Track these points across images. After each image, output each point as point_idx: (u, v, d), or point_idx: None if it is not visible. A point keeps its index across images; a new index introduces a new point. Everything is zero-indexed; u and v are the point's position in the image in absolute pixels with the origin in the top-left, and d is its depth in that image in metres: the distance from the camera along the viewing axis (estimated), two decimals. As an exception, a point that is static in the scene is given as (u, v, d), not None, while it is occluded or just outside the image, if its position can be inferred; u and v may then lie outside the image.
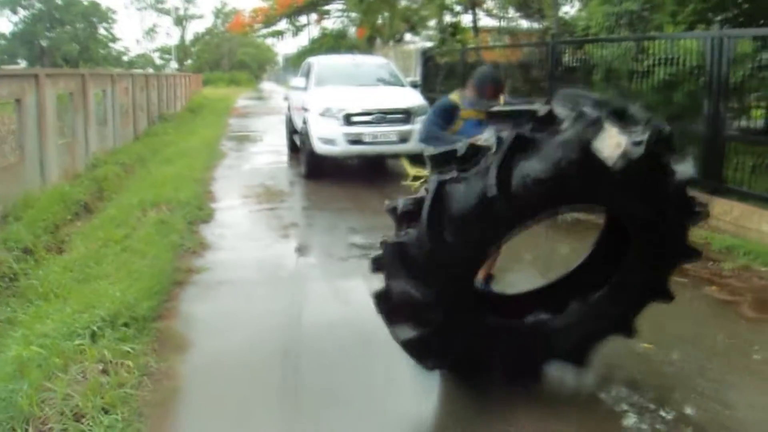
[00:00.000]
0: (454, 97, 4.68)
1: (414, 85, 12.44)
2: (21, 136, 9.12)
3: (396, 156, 10.31)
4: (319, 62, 12.05)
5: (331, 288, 5.73)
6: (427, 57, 16.89)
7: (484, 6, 18.68)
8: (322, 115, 10.06)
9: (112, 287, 5.10)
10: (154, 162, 12.54)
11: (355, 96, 10.34)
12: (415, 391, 3.84)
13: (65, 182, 10.01)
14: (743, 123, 7.44)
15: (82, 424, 3.35)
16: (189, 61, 51.09)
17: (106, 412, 3.46)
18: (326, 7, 24.33)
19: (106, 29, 38.13)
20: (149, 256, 6.03)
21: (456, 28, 18.50)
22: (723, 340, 4.59)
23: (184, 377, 4.07)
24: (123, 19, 78.81)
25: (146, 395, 3.77)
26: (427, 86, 15.77)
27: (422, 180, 4.74)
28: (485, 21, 19.35)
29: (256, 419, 3.60)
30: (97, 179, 10.64)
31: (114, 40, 39.94)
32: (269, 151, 14.31)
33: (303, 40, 31.82)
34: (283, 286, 5.72)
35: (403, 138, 9.93)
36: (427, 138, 4.57)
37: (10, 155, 8.94)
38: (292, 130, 12.39)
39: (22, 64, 32.83)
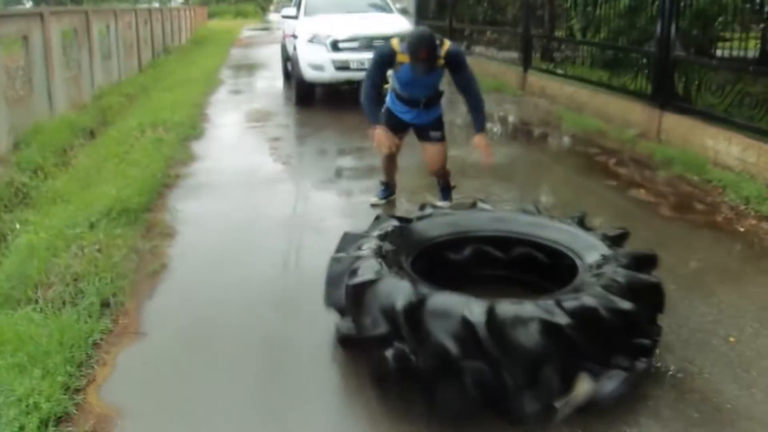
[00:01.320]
0: (394, 42, 4.94)
1: (403, 12, 12.67)
2: (29, 71, 9.97)
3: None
4: None
5: (298, 187, 6.63)
6: None
7: None
8: (310, 41, 10.37)
9: (109, 189, 6.04)
10: (155, 91, 13.39)
11: (342, 23, 10.59)
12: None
13: (72, 112, 10.88)
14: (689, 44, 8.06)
15: (79, 284, 4.29)
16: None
17: (100, 278, 4.40)
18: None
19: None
20: (143, 165, 6.97)
21: None
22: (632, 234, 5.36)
23: (167, 255, 4.99)
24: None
25: (133, 266, 4.72)
26: (420, 14, 16.40)
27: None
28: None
29: (226, 275, 4.55)
30: (102, 108, 11.52)
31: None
32: (265, 78, 15.15)
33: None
34: (256, 187, 6.63)
35: None
36: (366, 87, 5.00)
37: (20, 89, 9.80)
38: (286, 58, 12.99)
39: (28, 4, 33.36)
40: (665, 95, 7.71)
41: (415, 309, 2.82)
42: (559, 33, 11.39)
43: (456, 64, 4.90)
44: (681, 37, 7.66)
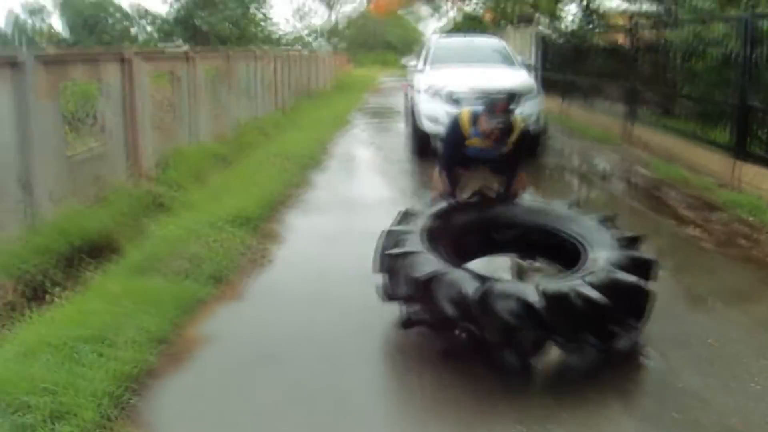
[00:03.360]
0: (465, 123, 5.14)
1: (527, 66, 12.93)
2: (176, 103, 11.70)
3: None
4: (435, 42, 13.00)
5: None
6: (543, 40, 18.35)
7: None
8: (428, 93, 10.69)
9: (233, 202, 7.38)
10: (288, 127, 15.00)
11: (461, 75, 10.83)
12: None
13: (212, 141, 12.52)
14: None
15: (198, 264, 5.56)
16: (339, 41, 54.31)
17: (215, 261, 5.66)
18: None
19: (257, 9, 41.72)
20: (265, 186, 8.32)
21: (593, 11, 19.71)
22: (672, 264, 5.99)
23: (272, 253, 6.23)
24: (275, 1, 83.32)
25: (243, 258, 5.97)
26: (543, 67, 17.39)
27: None
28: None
29: (319, 271, 5.70)
30: (239, 140, 13.14)
31: (266, 20, 43.58)
32: (390, 122, 16.54)
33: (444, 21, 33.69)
34: (358, 211, 7.80)
35: None
36: (446, 167, 5.43)
37: (166, 118, 11.52)
38: (407, 107, 13.82)
39: (179, 43, 36.78)
40: (743, 146, 8.37)
41: (485, 295, 3.76)
42: (657, 87, 12.00)
43: (522, 141, 5.17)
44: (757, 89, 8.28)
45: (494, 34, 20.58)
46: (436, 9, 28.12)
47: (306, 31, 51.24)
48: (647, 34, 12.06)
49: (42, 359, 3.71)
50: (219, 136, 13.38)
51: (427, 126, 10.59)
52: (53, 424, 3.15)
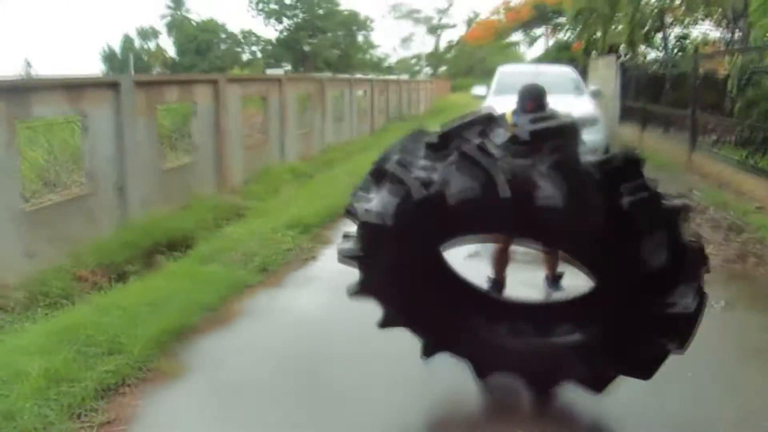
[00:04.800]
0: (507, 113, 5.12)
1: (595, 94, 13.26)
2: (266, 125, 13.11)
3: None
4: (502, 71, 13.28)
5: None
6: (625, 68, 19.01)
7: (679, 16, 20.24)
8: None
9: (297, 211, 8.60)
10: (372, 149, 16.22)
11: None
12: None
13: (299, 161, 13.88)
14: None
15: (252, 257, 6.77)
16: (443, 68, 55.76)
17: (266, 255, 6.87)
18: (559, 20, 27.08)
19: (364, 36, 43.80)
20: (329, 198, 9.50)
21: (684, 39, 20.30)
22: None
23: (320, 253, 7.40)
24: (380, 28, 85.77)
25: (293, 255, 7.17)
26: (625, 95, 18.07)
27: None
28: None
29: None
30: (325, 160, 14.47)
31: (372, 47, 45.63)
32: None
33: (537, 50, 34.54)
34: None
35: None
36: None
37: (257, 138, 12.94)
38: None
39: (287, 67, 38.88)
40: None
41: None
42: (713, 115, 12.46)
43: None
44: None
45: (575, 64, 21.29)
46: (532, 38, 29.12)
47: (411, 59, 52.98)
48: (708, 62, 12.67)
49: (113, 315, 4.96)
50: (306, 156, 14.75)
51: None
52: (110, 355, 4.37)
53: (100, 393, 4.01)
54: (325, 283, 6.41)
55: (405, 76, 37.01)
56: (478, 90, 14.04)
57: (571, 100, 11.21)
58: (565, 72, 13.34)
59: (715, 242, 7.72)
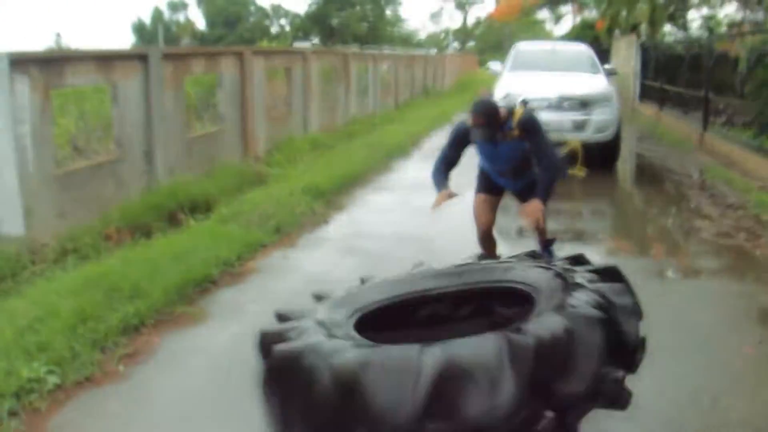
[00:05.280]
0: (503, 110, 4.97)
1: (611, 73, 12.91)
2: (289, 97, 13.56)
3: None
4: (518, 48, 13.16)
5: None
6: (645, 48, 19.16)
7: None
8: (503, 99, 11.90)
9: (314, 178, 9.06)
10: (395, 123, 16.65)
11: (537, 81, 10.93)
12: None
13: (322, 133, 14.31)
14: None
15: (267, 219, 7.24)
16: (471, 44, 55.83)
17: (280, 218, 7.33)
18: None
19: (392, 11, 44.09)
20: (346, 167, 9.96)
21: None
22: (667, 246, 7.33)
23: (331, 217, 7.87)
24: (409, 2, 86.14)
25: (306, 218, 7.63)
26: (645, 75, 18.27)
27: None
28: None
29: (367, 235, 7.29)
30: (347, 132, 14.91)
31: (400, 21, 45.92)
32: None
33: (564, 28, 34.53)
34: (423, 191, 9.29)
35: (578, 126, 10.34)
36: (437, 161, 5.34)
37: (281, 110, 13.39)
38: None
39: (315, 41, 39.27)
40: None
41: None
42: (724, 96, 12.67)
43: (528, 132, 4.93)
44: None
45: (599, 42, 21.38)
46: (557, 16, 29.22)
47: (440, 34, 53.13)
48: (722, 44, 12.87)
49: (137, 265, 5.45)
50: (329, 127, 15.17)
51: None
52: (133, 299, 4.86)
53: (123, 331, 4.51)
54: (335, 243, 6.89)
55: (433, 51, 37.22)
56: (495, 66, 13.94)
57: (583, 79, 11.33)
58: (581, 50, 13.14)
59: (713, 217, 8.06)
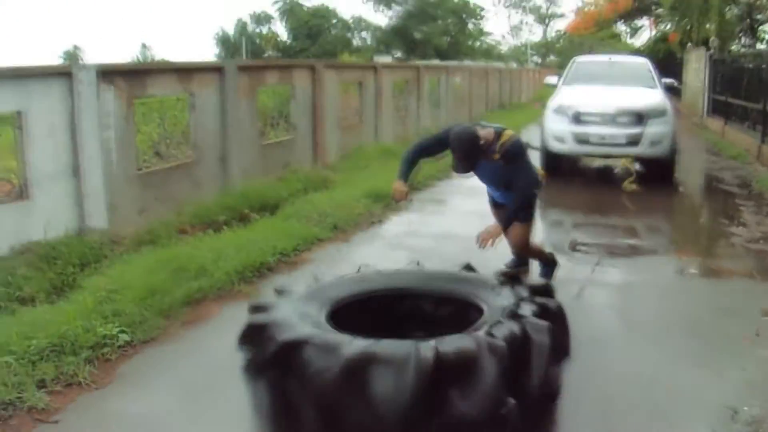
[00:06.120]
0: (486, 132, 5.00)
1: (670, 87, 12.77)
2: (361, 108, 14.25)
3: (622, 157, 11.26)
4: (576, 61, 13.11)
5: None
6: (713, 61, 19.07)
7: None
8: (556, 112, 10.91)
9: (377, 183, 9.66)
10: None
11: (592, 95, 10.99)
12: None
13: (393, 142, 14.92)
14: None
15: (325, 218, 7.88)
16: (551, 57, 55.72)
17: (339, 217, 7.97)
18: (659, 11, 27.13)
19: (474, 24, 44.49)
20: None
21: None
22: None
23: (387, 218, 8.47)
24: (491, 16, 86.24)
25: (363, 218, 8.25)
26: (714, 89, 18.27)
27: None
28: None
29: (422, 237, 7.87)
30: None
31: (483, 34, 46.31)
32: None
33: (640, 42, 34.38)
34: (478, 197, 9.82)
35: (632, 141, 10.37)
36: (409, 149, 5.46)
37: (352, 120, 14.07)
38: None
39: (396, 54, 40.05)
40: None
41: None
42: None
43: (508, 160, 5.04)
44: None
45: (665, 56, 21.24)
46: (633, 29, 29.29)
47: (520, 47, 53.34)
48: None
49: (203, 251, 6.16)
50: (401, 137, 15.78)
51: (552, 145, 10.86)
52: (197, 278, 5.55)
53: (187, 303, 5.22)
54: (386, 240, 7.50)
55: (513, 65, 37.57)
56: (550, 79, 13.74)
57: (641, 92, 11.23)
58: (639, 63, 13.01)
59: (749, 223, 8.35)
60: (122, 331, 4.56)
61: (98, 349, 4.36)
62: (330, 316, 3.65)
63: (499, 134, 4.98)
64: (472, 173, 5.19)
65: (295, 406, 3.19)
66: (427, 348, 2.99)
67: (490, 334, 3.15)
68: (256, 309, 3.78)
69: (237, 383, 3.56)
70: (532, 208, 5.35)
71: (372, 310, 4.04)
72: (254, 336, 3.47)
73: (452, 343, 3.06)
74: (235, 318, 4.90)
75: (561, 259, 6.15)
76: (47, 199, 6.61)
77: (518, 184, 5.13)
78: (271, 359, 3.28)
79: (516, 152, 5.05)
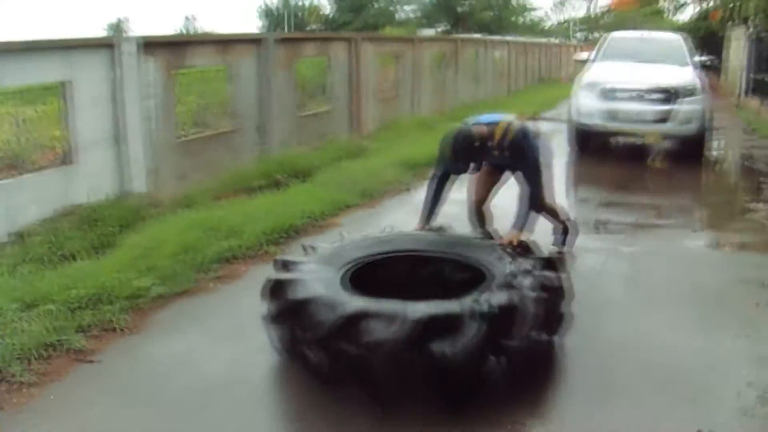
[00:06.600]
0: (478, 130, 4.76)
1: (703, 65, 12.20)
2: (399, 81, 14.46)
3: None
4: (609, 37, 12.90)
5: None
6: (757, 38, 18.70)
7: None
8: (586, 88, 10.87)
9: (409, 153, 9.91)
10: (502, 107, 17.20)
11: (623, 72, 10.95)
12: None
13: (430, 115, 15.13)
14: None
15: (355, 184, 8.15)
16: (596, 34, 54.94)
17: (366, 184, 8.23)
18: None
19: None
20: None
21: None
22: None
23: (414, 186, 8.68)
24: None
25: (393, 185, 8.50)
26: (758, 67, 17.99)
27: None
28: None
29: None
30: (454, 115, 15.61)
31: (527, 9, 46.02)
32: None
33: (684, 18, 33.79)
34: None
35: (661, 118, 10.34)
36: (428, 188, 5.15)
37: (390, 92, 14.30)
38: None
39: (440, 28, 40.08)
40: None
41: None
42: None
43: (514, 153, 4.89)
44: None
45: (706, 34, 20.68)
46: (677, 5, 28.79)
47: (564, 23, 52.69)
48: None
49: (235, 214, 6.50)
50: (438, 110, 16.00)
51: (581, 121, 10.80)
52: (228, 238, 5.88)
53: (217, 260, 5.56)
54: (412, 206, 7.63)
55: (555, 40, 37.31)
56: (580, 55, 13.58)
57: (670, 71, 11.00)
58: (673, 40, 12.59)
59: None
60: (155, 284, 4.91)
61: (133, 300, 4.71)
62: (351, 273, 4.07)
63: (492, 130, 4.78)
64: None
65: (304, 348, 3.67)
66: (414, 309, 3.42)
67: (476, 301, 3.54)
68: (281, 265, 4.20)
69: (261, 329, 3.95)
70: (541, 174, 4.99)
71: (395, 269, 4.42)
72: (273, 291, 3.93)
73: (440, 307, 3.50)
74: (259, 276, 5.22)
75: (585, 233, 6.44)
76: (91, 164, 6.97)
77: (527, 173, 4.90)
78: (284, 312, 3.78)
79: (523, 145, 4.86)
